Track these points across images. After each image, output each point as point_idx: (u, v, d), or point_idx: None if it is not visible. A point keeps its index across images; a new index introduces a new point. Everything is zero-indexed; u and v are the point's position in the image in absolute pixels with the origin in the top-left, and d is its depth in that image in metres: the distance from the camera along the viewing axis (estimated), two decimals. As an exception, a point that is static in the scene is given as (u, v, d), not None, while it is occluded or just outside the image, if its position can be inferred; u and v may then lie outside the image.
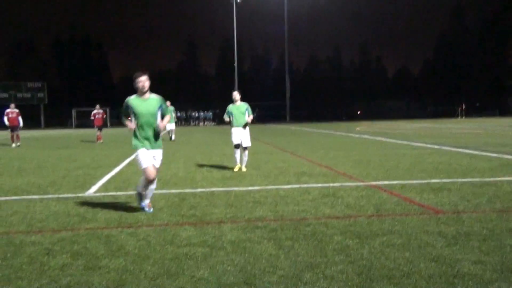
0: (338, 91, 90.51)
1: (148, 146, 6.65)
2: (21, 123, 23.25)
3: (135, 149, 6.71)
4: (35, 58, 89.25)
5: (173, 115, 24.96)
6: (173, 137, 25.11)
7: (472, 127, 34.05)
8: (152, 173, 6.57)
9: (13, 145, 22.54)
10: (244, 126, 11.36)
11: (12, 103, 25.04)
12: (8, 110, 23.17)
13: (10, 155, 17.53)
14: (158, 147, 6.78)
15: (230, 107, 11.46)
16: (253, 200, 7.48)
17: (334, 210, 6.66)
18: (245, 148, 11.40)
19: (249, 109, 11.49)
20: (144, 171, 6.58)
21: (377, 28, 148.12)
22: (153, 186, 6.76)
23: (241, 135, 11.34)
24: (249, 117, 11.42)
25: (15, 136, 22.81)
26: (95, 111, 25.53)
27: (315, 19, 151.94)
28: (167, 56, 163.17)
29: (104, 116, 26.05)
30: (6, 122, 22.90)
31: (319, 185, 8.94)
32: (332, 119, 68.79)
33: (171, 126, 24.66)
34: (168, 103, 23.80)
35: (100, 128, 25.37)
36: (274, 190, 8.43)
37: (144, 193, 6.75)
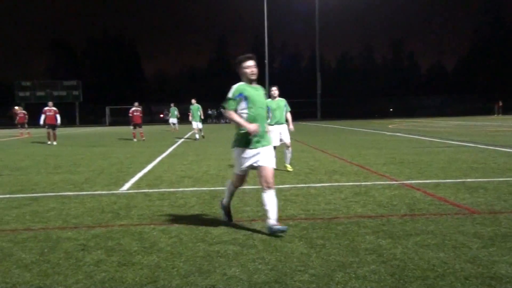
0: (370, 88, 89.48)
1: (258, 144, 5.44)
2: (59, 121, 23.35)
3: (240, 147, 5.47)
4: (70, 56, 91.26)
5: (200, 113, 24.21)
6: (202, 134, 24.76)
7: (509, 125, 33.17)
8: (241, 180, 5.70)
9: (49, 142, 22.61)
10: (281, 123, 10.93)
11: (49, 101, 25.11)
12: (46, 108, 23.22)
13: (46, 153, 17.97)
14: (269, 143, 5.62)
15: (268, 102, 10.78)
16: (284, 198, 7.47)
17: (366, 209, 6.59)
18: (288, 146, 10.99)
19: (287, 105, 11.10)
20: (239, 176, 5.67)
21: (410, 23, 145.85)
22: (273, 199, 5.46)
23: (280, 133, 10.90)
24: (286, 114, 11.05)
25: (51, 134, 22.84)
26: (133, 109, 25.04)
27: (346, 15, 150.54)
28: (198, 53, 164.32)
29: (142, 114, 25.48)
30: (42, 122, 22.99)
31: (351, 183, 8.87)
32: (364, 116, 68.07)
33: (199, 124, 24.31)
34: (193, 100, 23.76)
35: (139, 126, 24.80)
36: (305, 188, 8.40)
37: (267, 208, 5.41)
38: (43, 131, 25.29)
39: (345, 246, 4.89)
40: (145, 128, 42.89)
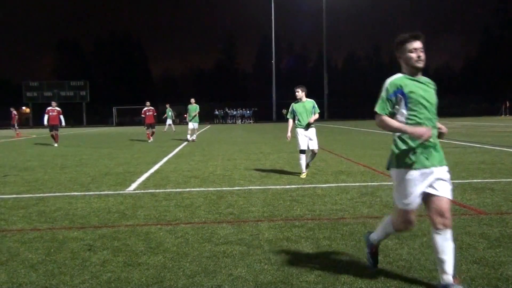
0: (377, 88, 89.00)
1: (428, 162, 3.72)
2: (63, 122, 22.42)
3: (401, 167, 3.77)
4: (77, 57, 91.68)
5: (196, 113, 23.10)
6: (194, 137, 23.24)
7: (517, 125, 32.96)
8: (406, 220, 3.76)
9: (54, 144, 21.81)
10: (307, 127, 9.98)
11: (53, 101, 24.03)
12: (49, 108, 22.17)
13: (53, 153, 18.05)
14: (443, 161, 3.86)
15: (295, 106, 10.10)
16: (291, 199, 7.46)
17: (373, 210, 6.57)
18: (315, 153, 10.22)
19: (316, 106, 10.13)
20: (402, 212, 3.76)
21: (417, 24, 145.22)
22: (450, 244, 3.62)
23: (308, 138, 9.99)
24: (314, 115, 10.01)
25: (54, 135, 21.99)
26: (145, 108, 24.34)
27: (354, 15, 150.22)
28: (205, 54, 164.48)
29: (155, 114, 24.64)
30: (45, 122, 21.98)
31: (357, 184, 8.85)
32: (371, 117, 67.84)
33: (195, 125, 23.10)
34: (192, 100, 23.29)
35: (152, 126, 24.04)
36: (311, 189, 8.39)
37: (441, 257, 3.61)
38: (46, 131, 24.71)
39: (351, 246, 4.88)
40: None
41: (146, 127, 24.24)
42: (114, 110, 69.65)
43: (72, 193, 8.52)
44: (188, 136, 23.23)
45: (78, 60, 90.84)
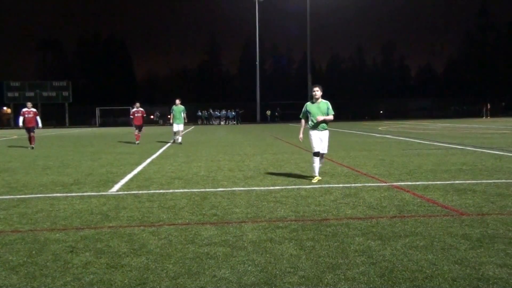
0: (360, 90, 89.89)
1: None
2: (40, 124, 21.03)
3: None
4: (60, 57, 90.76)
5: (183, 115, 22.43)
6: (179, 139, 22.30)
7: (497, 127, 33.45)
8: None
9: (30, 146, 20.46)
10: (317, 126, 9.55)
11: (28, 102, 22.32)
12: (24, 110, 20.75)
13: (35, 154, 17.84)
14: None
15: (309, 106, 9.66)
16: (274, 200, 7.47)
17: (356, 211, 6.61)
18: (323, 156, 9.81)
19: (330, 108, 9.59)
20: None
21: (400, 27, 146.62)
22: None
23: (321, 140, 9.59)
24: (328, 117, 9.52)
25: (30, 138, 20.61)
26: (134, 109, 23.40)
27: (337, 17, 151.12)
28: (189, 55, 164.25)
29: (144, 115, 23.54)
30: (21, 124, 20.59)
31: (341, 185, 8.89)
32: (354, 118, 68.32)
33: (180, 127, 22.14)
34: (177, 101, 22.53)
35: (139, 128, 23.06)
36: (295, 190, 8.41)
37: None
38: (23, 132, 22.91)
39: (334, 247, 4.90)
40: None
41: (135, 128, 23.28)
42: (97, 110, 69.07)
43: (54, 195, 8.43)
44: (178, 138, 22.34)
45: (60, 60, 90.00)
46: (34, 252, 4.96)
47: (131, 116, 23.68)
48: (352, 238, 5.21)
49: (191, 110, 66.16)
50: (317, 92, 9.48)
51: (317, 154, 9.54)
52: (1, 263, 4.63)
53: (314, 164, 9.59)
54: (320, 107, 9.52)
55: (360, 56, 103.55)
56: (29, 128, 20.51)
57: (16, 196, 8.32)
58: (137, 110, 23.42)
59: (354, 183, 9.05)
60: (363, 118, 69.83)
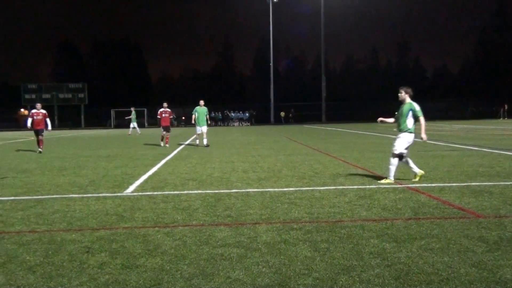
0: (375, 91, 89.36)
1: None
2: (49, 126, 19.97)
3: None
4: (76, 59, 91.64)
5: (206, 117, 21.08)
6: (205, 142, 20.94)
7: (514, 128, 33.03)
8: None
9: (39, 150, 18.96)
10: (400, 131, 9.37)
11: (37, 103, 21.01)
12: (33, 111, 19.71)
13: (52, 155, 18.03)
14: None
15: (402, 107, 9.41)
16: (288, 202, 7.46)
17: (371, 213, 6.57)
18: (402, 157, 9.44)
19: (416, 109, 9.22)
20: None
21: (415, 27, 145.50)
22: None
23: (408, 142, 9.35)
24: (421, 124, 9.29)
25: (39, 140, 19.21)
26: (162, 110, 22.13)
27: (352, 18, 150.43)
28: (203, 57, 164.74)
29: (172, 116, 22.80)
30: (29, 125, 19.39)
31: (355, 187, 8.85)
32: (369, 119, 67.95)
33: (203, 129, 20.90)
34: (201, 102, 21.56)
35: (167, 129, 21.83)
36: (309, 192, 8.39)
37: None
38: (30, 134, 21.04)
39: (349, 249, 4.88)
40: (149, 131, 42.95)
41: (162, 130, 21.93)
42: (112, 112, 69.57)
43: (70, 195, 8.51)
44: (198, 141, 21.47)
45: (77, 63, 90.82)
46: (50, 252, 5.01)
47: (158, 117, 22.43)
48: (367, 240, 5.18)
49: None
50: (399, 94, 9.36)
51: (399, 156, 9.32)
52: (18, 263, 4.68)
53: (391, 166, 9.33)
54: (404, 108, 9.30)
55: (374, 57, 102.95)
56: (38, 130, 19.35)
57: (33, 197, 8.42)
58: (164, 110, 22.19)
59: (369, 185, 9.00)
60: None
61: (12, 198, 8.40)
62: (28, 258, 4.83)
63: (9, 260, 4.77)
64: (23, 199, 8.23)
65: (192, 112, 21.42)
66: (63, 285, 4.07)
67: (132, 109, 38.14)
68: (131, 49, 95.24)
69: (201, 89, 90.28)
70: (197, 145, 21.11)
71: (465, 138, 23.26)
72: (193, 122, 21.39)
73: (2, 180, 10.75)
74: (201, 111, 21.04)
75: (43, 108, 20.22)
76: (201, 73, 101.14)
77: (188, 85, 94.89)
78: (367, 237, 5.30)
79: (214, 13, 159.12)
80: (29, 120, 19.57)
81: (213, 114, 68.18)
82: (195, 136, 21.83)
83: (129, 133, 37.17)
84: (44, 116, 19.62)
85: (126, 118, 39.23)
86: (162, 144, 21.80)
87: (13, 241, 5.47)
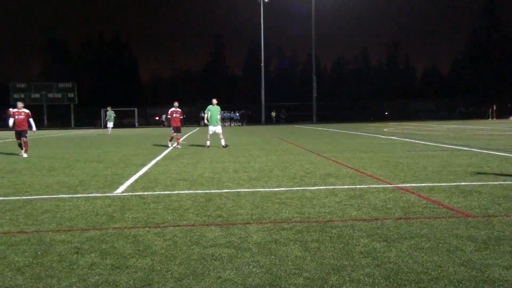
0: (366, 91, 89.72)
1: None
2: (34, 127, 18.10)
3: None
4: (66, 58, 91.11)
5: (219, 116, 19.91)
6: (223, 142, 19.80)
7: (503, 129, 33.33)
8: None
9: (23, 154, 17.09)
10: None
11: (19, 102, 18.72)
12: (14, 110, 17.58)
13: (41, 154, 17.90)
14: None
15: None
16: (279, 202, 7.47)
17: (361, 212, 6.59)
18: None
19: None
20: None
21: (405, 28, 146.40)
22: None
23: None
24: None
25: (22, 143, 17.22)
26: (172, 109, 20.93)
27: (342, 18, 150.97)
28: (194, 57, 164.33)
29: (182, 117, 21.10)
30: (11, 124, 17.52)
31: (346, 186, 8.88)
32: (359, 119, 68.19)
33: (218, 129, 19.78)
34: (214, 100, 19.69)
35: (178, 130, 20.78)
36: (300, 192, 8.40)
37: None
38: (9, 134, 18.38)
39: (339, 249, 4.89)
40: (139, 131, 42.80)
41: (172, 130, 20.93)
42: (102, 112, 69.22)
43: (60, 196, 8.46)
44: (221, 141, 19.78)
45: (66, 62, 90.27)
46: (39, 253, 4.97)
47: (169, 116, 21.34)
48: (357, 240, 5.20)
49: (193, 113, 66.38)
50: None
51: None
52: (7, 264, 4.65)
53: None
54: None
55: (365, 57, 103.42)
56: (20, 132, 17.22)
57: (21, 197, 8.36)
58: (175, 110, 20.94)
59: (359, 185, 9.03)
60: (368, 120, 69.70)
61: (1, 198, 8.33)
62: (16, 259, 4.79)
63: (-3, 261, 4.72)
64: (12, 199, 8.17)
65: (205, 111, 20.19)
66: (52, 286, 4.04)
67: (109, 108, 38.07)
68: (121, 49, 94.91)
69: (192, 89, 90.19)
70: (208, 147, 19.62)
71: (455, 138, 23.43)
72: (205, 122, 20.15)
73: (-10, 180, 10.64)
74: (214, 110, 19.86)
75: (31, 107, 19.21)
76: (192, 73, 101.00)
77: (179, 85, 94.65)
78: (357, 237, 5.31)
79: (205, 13, 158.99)
80: (11, 120, 17.58)
81: (202, 114, 68.09)
82: (208, 137, 20.16)
83: (109, 133, 37.03)
84: (27, 115, 17.57)
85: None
86: (170, 144, 20.88)
87: (1, 242, 5.43)
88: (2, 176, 11.46)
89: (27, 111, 17.67)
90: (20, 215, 6.82)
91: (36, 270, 4.44)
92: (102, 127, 65.57)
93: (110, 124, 37.28)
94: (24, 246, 5.24)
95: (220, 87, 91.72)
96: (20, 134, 17.26)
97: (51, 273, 4.35)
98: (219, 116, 19.99)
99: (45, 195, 8.60)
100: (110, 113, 37.38)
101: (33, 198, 8.26)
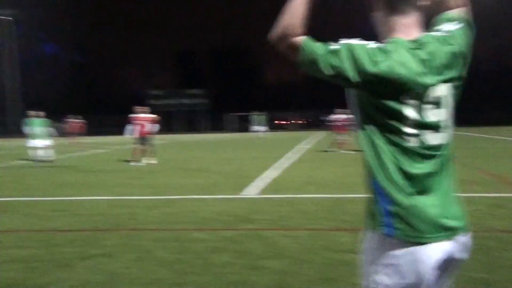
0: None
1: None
2: (156, 129, 17.15)
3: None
4: (194, 66, 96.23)
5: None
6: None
7: None
8: None
9: (144, 161, 16.15)
10: None
11: (145, 106, 17.37)
12: (141, 116, 16.48)
13: (175, 157, 19.02)
14: None
15: None
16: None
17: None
18: None
19: None
20: None
21: None
22: None
23: None
24: None
25: (145, 149, 16.39)
26: (336, 116, 19.59)
27: (337, 19, 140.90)
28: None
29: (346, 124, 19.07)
30: (134, 133, 16.54)
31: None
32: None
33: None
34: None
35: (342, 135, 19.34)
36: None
37: None
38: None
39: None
40: (270, 134, 43.39)
41: (336, 135, 19.79)
42: (229, 117, 71.75)
43: (195, 196, 8.96)
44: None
45: (195, 69, 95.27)
46: (181, 250, 5.31)
47: (332, 124, 19.99)
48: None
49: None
50: None
51: None
52: (153, 258, 5.03)
53: None
54: None
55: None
56: (144, 138, 16.43)
57: (161, 197, 8.99)
58: (340, 116, 19.47)
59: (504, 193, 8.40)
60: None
61: (146, 197, 9.02)
62: (161, 254, 5.16)
63: (145, 256, 5.13)
64: (153, 199, 8.81)
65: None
66: (194, 282, 4.30)
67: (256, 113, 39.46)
68: (245, 55, 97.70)
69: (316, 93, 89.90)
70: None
71: None
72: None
73: (131, 180, 11.54)
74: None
75: (165, 113, 18.21)
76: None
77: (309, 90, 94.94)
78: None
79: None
80: (134, 127, 16.55)
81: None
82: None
83: (262, 135, 38.63)
84: (152, 121, 16.72)
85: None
86: (335, 149, 19.33)
87: (149, 238, 5.87)
88: (140, 177, 12.38)
89: (153, 116, 16.87)
90: (164, 214, 7.33)
91: (179, 266, 4.75)
92: (232, 131, 67.97)
93: (261, 128, 39.07)
94: (168, 242, 5.63)
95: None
96: (143, 140, 16.46)
97: (192, 270, 4.63)
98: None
99: (182, 195, 9.14)
100: (260, 117, 39.28)
101: (171, 198, 8.83)
